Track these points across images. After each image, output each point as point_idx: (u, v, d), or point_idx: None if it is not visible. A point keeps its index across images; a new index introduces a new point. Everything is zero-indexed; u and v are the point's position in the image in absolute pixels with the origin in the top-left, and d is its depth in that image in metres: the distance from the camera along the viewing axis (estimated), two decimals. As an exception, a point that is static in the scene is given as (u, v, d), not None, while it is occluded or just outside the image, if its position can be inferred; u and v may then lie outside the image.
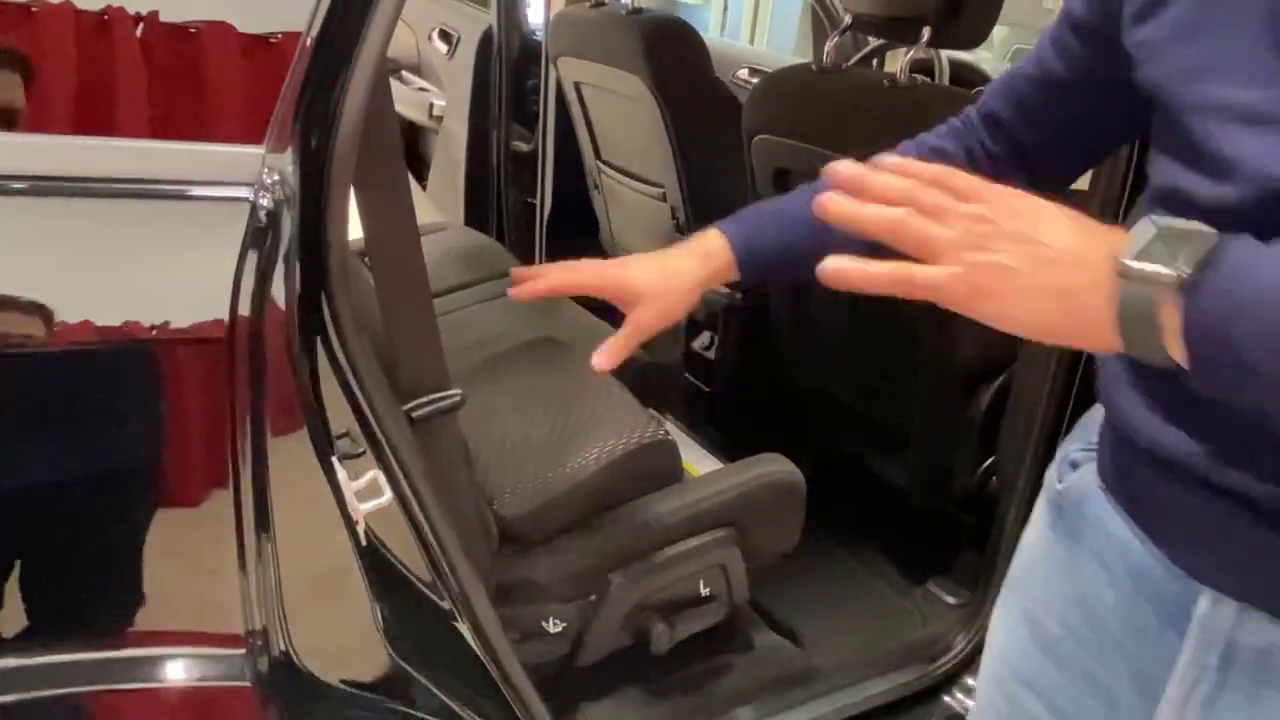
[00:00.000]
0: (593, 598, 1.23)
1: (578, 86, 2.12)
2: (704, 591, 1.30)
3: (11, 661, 0.69)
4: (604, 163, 2.20)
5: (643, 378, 1.54)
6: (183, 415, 0.70)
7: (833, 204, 0.54)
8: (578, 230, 2.37)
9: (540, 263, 2.42)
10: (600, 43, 1.95)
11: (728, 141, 1.80)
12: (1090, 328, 0.49)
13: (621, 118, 2.03)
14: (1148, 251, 0.47)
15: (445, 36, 2.54)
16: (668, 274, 0.83)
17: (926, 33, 1.41)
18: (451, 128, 2.51)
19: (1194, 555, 0.59)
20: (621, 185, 2.16)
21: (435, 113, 2.56)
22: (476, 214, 2.46)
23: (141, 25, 0.66)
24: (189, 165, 0.66)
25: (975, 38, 1.47)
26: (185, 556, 0.74)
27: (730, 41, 5.28)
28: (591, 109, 2.14)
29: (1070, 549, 0.68)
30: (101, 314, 0.65)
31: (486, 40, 2.38)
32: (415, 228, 0.88)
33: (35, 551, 0.71)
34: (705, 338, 2.04)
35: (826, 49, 1.58)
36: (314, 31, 0.67)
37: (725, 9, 7.34)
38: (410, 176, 1.98)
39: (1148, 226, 0.48)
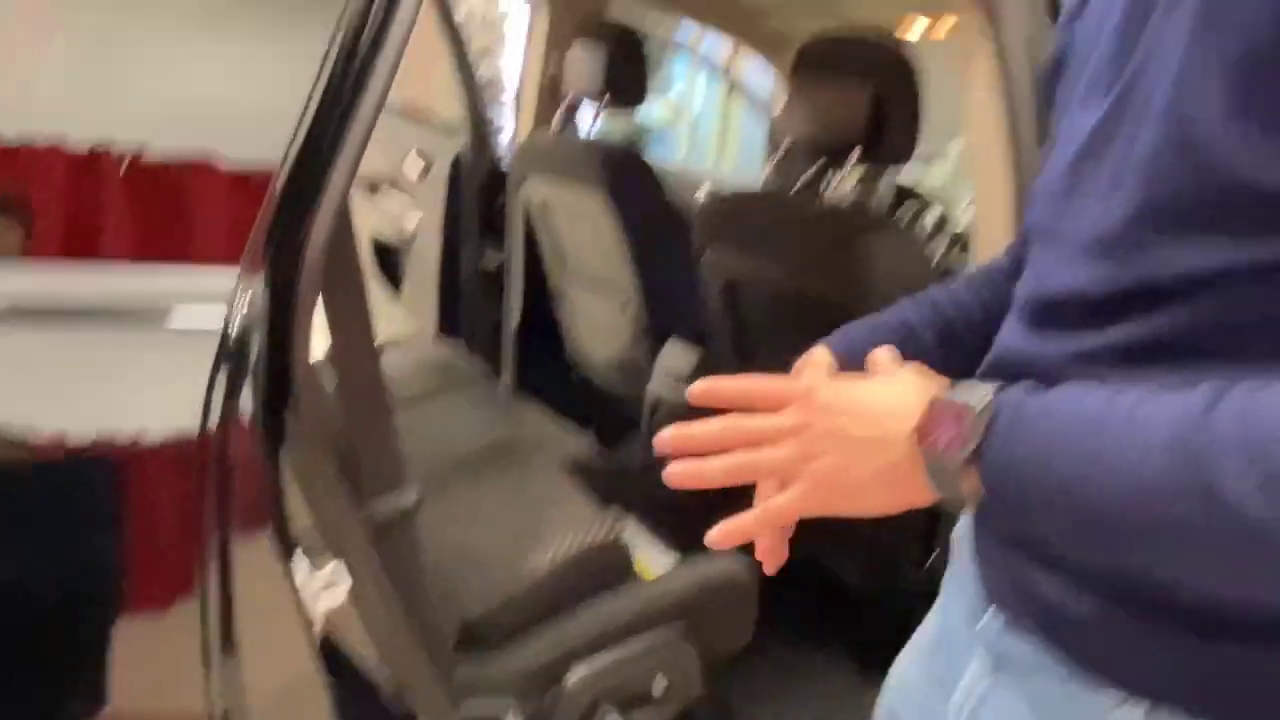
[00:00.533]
0: (550, 694, 1.26)
1: (542, 206, 2.25)
2: (659, 686, 1.34)
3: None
4: (568, 277, 2.31)
5: (608, 482, 1.61)
6: (152, 525, 0.77)
7: (677, 477, 0.59)
8: (544, 341, 2.46)
9: (508, 372, 2.51)
10: (562, 166, 2.09)
11: (682, 256, 1.91)
12: (920, 496, 0.56)
13: (583, 235, 2.15)
14: (936, 434, 0.54)
15: (420, 158, 2.69)
16: None
17: (856, 152, 1.51)
18: (425, 243, 2.62)
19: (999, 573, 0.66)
20: (585, 298, 2.27)
21: (410, 228, 2.68)
22: (449, 325, 2.55)
23: (126, 162, 0.75)
24: (165, 286, 0.74)
25: (901, 154, 1.56)
26: (152, 663, 0.79)
27: (690, 165, 5.53)
28: (555, 227, 2.26)
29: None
30: (76, 428, 0.71)
31: (457, 163, 2.52)
32: (373, 342, 0.96)
33: None
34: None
35: (766, 171, 1.71)
36: (287, 166, 0.77)
37: (693, 129, 7.69)
38: (388, 285, 2.06)
39: (936, 406, 0.55)
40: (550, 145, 2.16)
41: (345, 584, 0.84)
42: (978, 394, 0.54)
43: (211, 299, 0.75)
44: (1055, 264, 0.59)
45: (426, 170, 2.61)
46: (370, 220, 2.75)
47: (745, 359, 1.82)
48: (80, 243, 0.76)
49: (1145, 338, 0.52)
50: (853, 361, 0.69)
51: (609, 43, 1.94)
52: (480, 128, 2.49)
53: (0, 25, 0.76)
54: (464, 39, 2.44)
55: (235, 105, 0.78)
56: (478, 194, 2.51)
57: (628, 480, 2.07)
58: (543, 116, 2.38)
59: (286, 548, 0.79)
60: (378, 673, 0.92)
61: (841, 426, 0.57)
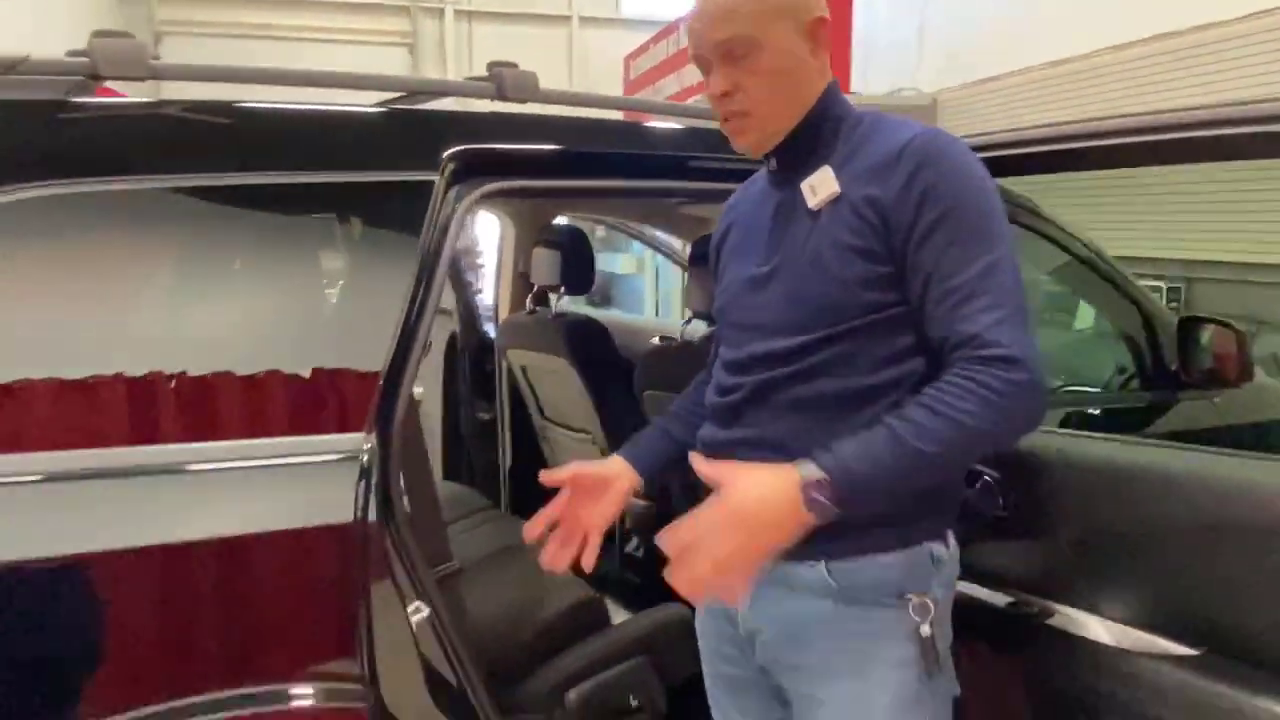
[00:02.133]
0: (557, 709, 1.82)
1: (523, 369, 2.90)
2: (634, 703, 1.89)
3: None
4: (549, 420, 2.95)
5: (596, 584, 2.18)
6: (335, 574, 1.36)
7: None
8: (533, 475, 3.07)
9: (504, 504, 3.11)
10: (535, 338, 2.75)
11: (633, 396, 2.56)
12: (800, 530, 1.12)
13: (555, 389, 2.80)
14: (812, 500, 1.07)
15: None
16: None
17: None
18: (429, 410, 3.26)
19: None
20: (562, 436, 2.89)
21: (418, 399, 3.33)
22: (453, 471, 3.16)
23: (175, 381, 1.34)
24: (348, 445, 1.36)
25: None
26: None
27: (642, 318, 6.36)
28: (534, 384, 2.91)
29: None
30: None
31: (452, 342, 3.19)
32: (430, 472, 1.58)
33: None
34: (634, 542, 2.70)
35: (682, 326, 2.37)
36: (385, 369, 1.39)
37: (657, 279, 8.60)
38: None
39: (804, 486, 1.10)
40: (526, 323, 2.83)
41: (425, 612, 1.43)
42: (809, 468, 1.10)
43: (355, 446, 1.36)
44: (750, 340, 1.25)
45: (428, 349, 3.28)
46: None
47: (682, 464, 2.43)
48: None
49: (809, 366, 1.20)
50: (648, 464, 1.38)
51: (560, 246, 2.62)
52: (470, 313, 3.17)
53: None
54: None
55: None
56: (470, 365, 3.17)
57: (609, 576, 2.66)
58: (517, 302, 3.08)
59: (398, 590, 1.39)
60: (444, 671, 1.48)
61: (744, 539, 1.07)
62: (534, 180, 1.68)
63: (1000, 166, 1.34)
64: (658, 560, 1.99)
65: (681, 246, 3.27)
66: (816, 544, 1.21)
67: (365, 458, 1.35)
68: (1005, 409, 1.09)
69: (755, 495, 1.08)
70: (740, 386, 1.28)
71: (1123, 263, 2.34)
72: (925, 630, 1.20)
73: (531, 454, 3.06)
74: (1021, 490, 1.44)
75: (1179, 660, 1.29)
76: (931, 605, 1.21)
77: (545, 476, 1.33)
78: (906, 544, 1.23)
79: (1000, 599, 1.50)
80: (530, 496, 3.09)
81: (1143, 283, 2.41)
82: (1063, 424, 2.13)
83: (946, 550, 1.26)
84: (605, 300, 9.75)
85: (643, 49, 8.39)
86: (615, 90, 8.62)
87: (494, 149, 1.57)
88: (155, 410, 1.30)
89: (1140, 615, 1.35)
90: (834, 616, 1.23)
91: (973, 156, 1.19)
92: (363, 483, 1.34)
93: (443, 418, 3.17)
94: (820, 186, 1.23)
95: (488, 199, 1.56)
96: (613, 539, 2.68)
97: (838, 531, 1.20)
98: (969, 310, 1.11)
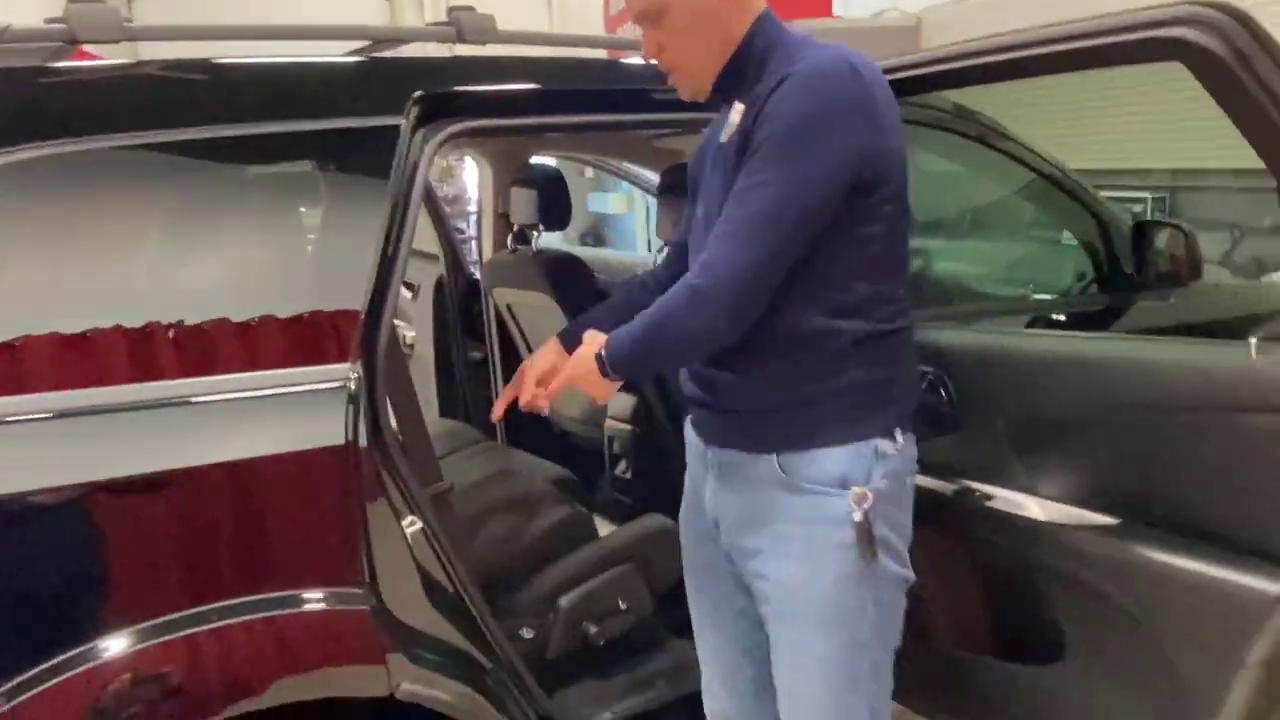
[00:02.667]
0: (551, 615, 1.96)
1: (509, 307, 3.01)
2: (622, 606, 2.04)
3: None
4: (535, 356, 3.06)
5: (588, 502, 2.30)
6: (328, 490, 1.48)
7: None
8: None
9: (500, 438, 3.24)
10: (518, 276, 2.84)
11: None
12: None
13: (542, 323, 2.90)
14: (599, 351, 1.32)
15: (409, 286, 3.46)
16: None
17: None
18: (421, 351, 3.37)
19: (703, 432, 1.42)
20: (550, 370, 3.01)
21: (408, 342, 3.44)
22: (448, 409, 3.28)
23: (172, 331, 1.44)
24: (318, 375, 1.47)
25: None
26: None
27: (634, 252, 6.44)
28: (521, 321, 3.02)
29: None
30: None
31: (439, 284, 3.29)
32: (416, 398, 1.69)
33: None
34: (623, 465, 2.83)
35: (655, 255, 2.47)
36: (365, 302, 1.49)
37: (647, 217, 8.65)
38: None
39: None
40: (508, 261, 2.92)
41: (419, 524, 1.55)
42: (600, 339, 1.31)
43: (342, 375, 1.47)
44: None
45: (417, 293, 3.38)
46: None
47: (663, 393, 2.55)
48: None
49: None
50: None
51: (536, 184, 2.70)
52: (454, 255, 3.27)
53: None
54: (435, 195, 3.24)
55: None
56: (459, 305, 3.27)
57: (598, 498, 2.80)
58: (499, 241, 3.17)
59: (391, 505, 1.50)
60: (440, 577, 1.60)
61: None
62: (500, 120, 1.75)
63: (904, 86, 1.44)
64: (642, 477, 2.10)
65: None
66: (770, 439, 1.34)
67: (353, 385, 1.46)
68: (691, 308, 1.28)
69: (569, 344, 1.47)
70: None
71: (1110, 176, 2.41)
72: (859, 517, 1.31)
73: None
74: (961, 385, 1.55)
75: (1103, 529, 1.41)
76: (871, 495, 1.32)
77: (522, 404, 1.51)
78: (853, 439, 1.34)
79: (948, 487, 1.62)
80: (522, 430, 3.24)
81: (1128, 195, 2.49)
82: (1028, 327, 2.24)
83: (894, 445, 1.37)
84: (598, 240, 9.80)
85: (621, -15, 8.31)
86: (597, 29, 8.56)
87: (458, 91, 1.65)
88: (155, 355, 1.39)
89: (1069, 492, 1.47)
90: (784, 504, 1.35)
91: (836, 80, 1.25)
92: (351, 407, 1.45)
93: (435, 358, 3.29)
94: (730, 123, 1.34)
95: (455, 140, 1.64)
96: (601, 461, 2.81)
97: (790, 428, 1.34)
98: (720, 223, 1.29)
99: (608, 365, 1.32)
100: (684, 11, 1.31)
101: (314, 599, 1.43)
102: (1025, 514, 1.52)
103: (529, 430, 3.20)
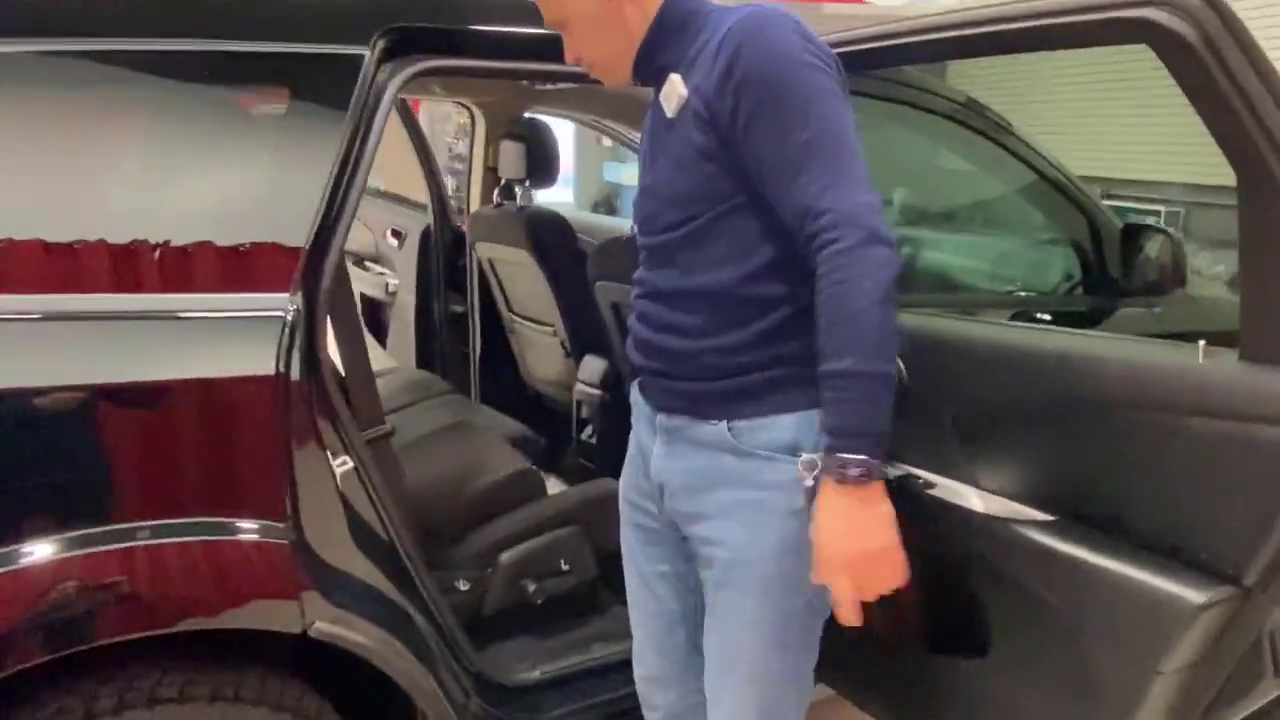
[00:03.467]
0: (489, 569, 1.95)
1: (490, 262, 2.98)
2: (564, 566, 2.02)
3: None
4: (515, 314, 3.03)
5: (549, 463, 2.28)
6: (251, 419, 1.45)
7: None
8: (501, 367, 3.17)
9: (475, 395, 3.22)
10: (501, 231, 2.81)
11: (588, 288, 2.63)
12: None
13: (521, 281, 2.87)
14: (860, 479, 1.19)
15: (396, 234, 3.43)
16: None
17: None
18: (403, 299, 3.35)
19: (651, 398, 1.39)
20: (528, 329, 2.98)
21: (391, 290, 3.41)
22: (424, 360, 3.27)
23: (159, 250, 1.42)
24: (254, 303, 1.44)
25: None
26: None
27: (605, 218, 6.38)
28: (502, 277, 2.99)
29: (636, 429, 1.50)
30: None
31: (426, 235, 3.26)
32: (362, 334, 1.66)
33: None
34: (589, 429, 2.81)
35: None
36: (310, 235, 1.46)
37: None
38: (373, 338, 2.88)
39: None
40: (493, 216, 2.89)
41: (350, 464, 1.53)
42: (841, 473, 1.19)
43: (280, 305, 1.44)
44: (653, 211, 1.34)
45: (403, 241, 3.35)
46: (361, 286, 3.48)
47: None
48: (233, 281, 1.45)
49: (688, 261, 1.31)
50: None
51: (527, 139, 2.67)
52: (442, 207, 3.23)
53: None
54: (428, 144, 3.21)
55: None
56: (443, 256, 3.24)
57: (563, 462, 2.78)
58: (486, 195, 3.13)
59: (321, 442, 1.48)
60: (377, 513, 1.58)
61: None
62: (474, 61, 1.71)
63: (855, 60, 1.41)
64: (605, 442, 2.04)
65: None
66: (721, 406, 1.32)
67: (290, 315, 1.43)
68: (866, 274, 1.17)
69: (839, 531, 1.22)
70: (644, 282, 1.41)
71: (1124, 186, 2.37)
72: (809, 482, 1.29)
73: (502, 347, 3.16)
74: (914, 369, 1.51)
75: (1037, 525, 1.38)
76: (819, 461, 1.30)
77: None
78: (804, 407, 1.32)
79: (894, 471, 1.59)
80: (497, 386, 3.21)
81: (1141, 208, 2.44)
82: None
83: None
84: (610, 210, 9.73)
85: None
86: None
87: (426, 27, 1.61)
88: (83, 268, 1.36)
89: (1007, 485, 1.44)
90: (732, 469, 1.33)
91: (789, 32, 1.22)
92: (285, 338, 1.42)
93: (416, 308, 3.26)
94: (671, 95, 1.31)
95: (422, 78, 1.60)
96: (569, 425, 2.79)
97: (741, 396, 1.31)
98: (797, 187, 1.19)
99: (868, 460, 1.18)
100: (581, 16, 1.35)
101: (230, 528, 1.41)
102: (964, 503, 1.49)
103: (502, 388, 3.19)
